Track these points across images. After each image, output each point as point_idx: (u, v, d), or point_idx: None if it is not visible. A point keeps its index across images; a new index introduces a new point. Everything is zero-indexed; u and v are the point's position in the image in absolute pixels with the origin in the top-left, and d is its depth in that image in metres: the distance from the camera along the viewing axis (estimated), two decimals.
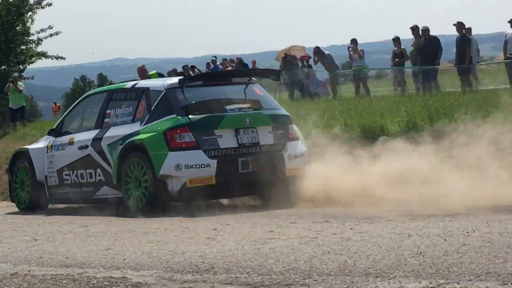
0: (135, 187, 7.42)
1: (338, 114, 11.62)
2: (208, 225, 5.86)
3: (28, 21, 25.60)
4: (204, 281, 3.27)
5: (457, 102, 11.35)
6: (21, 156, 9.46)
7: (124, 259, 4.38)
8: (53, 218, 8.09)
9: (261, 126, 7.61)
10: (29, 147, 9.78)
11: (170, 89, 7.78)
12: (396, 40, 17.35)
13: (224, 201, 8.15)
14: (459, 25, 14.99)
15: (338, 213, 5.98)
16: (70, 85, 65.92)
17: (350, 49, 18.57)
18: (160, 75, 13.18)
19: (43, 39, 26.05)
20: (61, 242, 5.67)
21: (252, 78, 8.66)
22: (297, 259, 3.60)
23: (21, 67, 25.31)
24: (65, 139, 8.74)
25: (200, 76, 10.58)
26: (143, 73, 13.39)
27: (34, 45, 25.82)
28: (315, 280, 2.92)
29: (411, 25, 16.32)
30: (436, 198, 5.83)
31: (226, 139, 7.41)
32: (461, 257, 3.21)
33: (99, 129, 8.24)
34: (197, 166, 7.18)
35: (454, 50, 15.61)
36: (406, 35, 17.62)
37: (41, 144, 9.28)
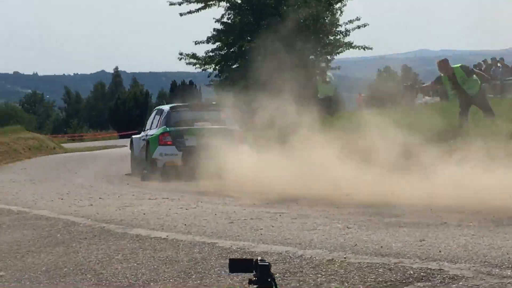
0: None
1: None
2: None
3: (337, 12, 26.18)
4: None
5: None
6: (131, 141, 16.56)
7: (440, 251, 4.38)
8: None
9: (213, 135, 12.36)
10: (133, 136, 16.62)
11: (170, 111, 14.42)
12: None
13: None
14: None
15: None
16: (374, 76, 66.73)
17: None
18: (466, 70, 12.09)
19: (351, 30, 26.26)
20: (373, 231, 5.85)
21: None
22: None
23: (328, 57, 26.42)
24: (142, 134, 15.36)
25: (184, 105, 15.58)
26: (444, 67, 12.43)
27: (342, 36, 26.41)
28: None
29: None
30: None
31: (190, 141, 13.36)
32: None
33: (148, 130, 14.81)
34: (171, 155, 13.48)
35: None
36: None
37: (139, 135, 15.64)
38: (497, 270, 3.52)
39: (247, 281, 1.33)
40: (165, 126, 13.81)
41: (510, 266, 3.54)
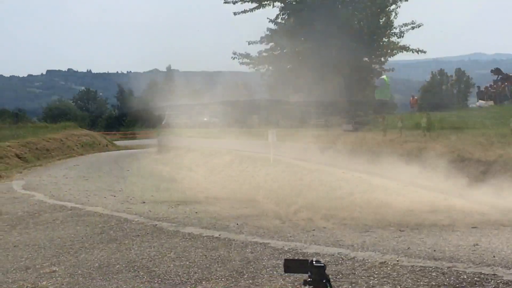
0: None
1: None
2: None
3: (391, 14, 26.41)
4: None
5: None
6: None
7: (494, 256, 4.27)
8: None
9: None
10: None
11: None
12: None
13: None
14: None
15: None
16: (427, 78, 64.81)
17: None
18: None
19: (405, 32, 26.05)
20: (427, 234, 5.78)
21: None
22: None
23: (382, 59, 26.31)
24: None
25: None
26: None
27: (396, 38, 26.30)
28: None
29: None
30: None
31: None
32: None
33: None
34: None
35: None
36: None
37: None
38: None
39: (300, 282, 1.36)
40: None
41: None
